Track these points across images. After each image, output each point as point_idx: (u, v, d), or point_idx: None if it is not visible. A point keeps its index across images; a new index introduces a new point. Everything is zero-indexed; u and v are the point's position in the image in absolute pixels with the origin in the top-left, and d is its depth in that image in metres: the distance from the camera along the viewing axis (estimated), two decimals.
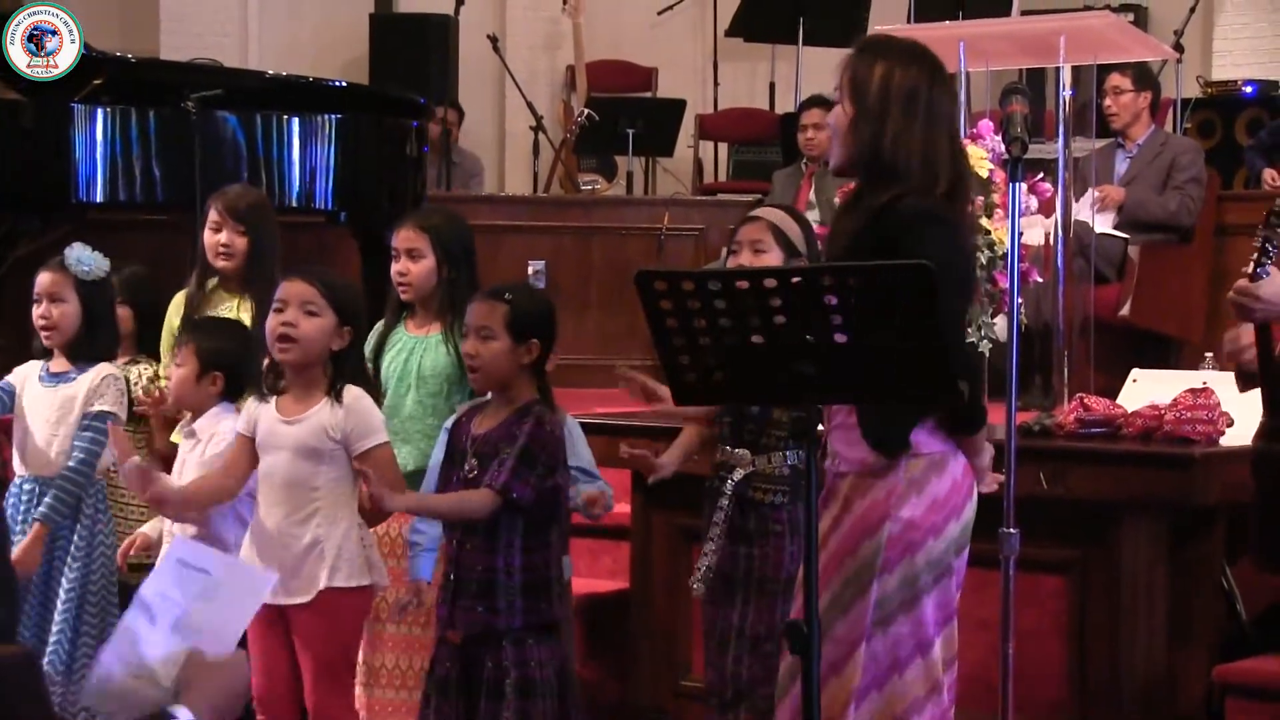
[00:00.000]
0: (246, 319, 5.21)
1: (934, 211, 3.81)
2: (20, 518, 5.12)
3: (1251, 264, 4.29)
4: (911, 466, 3.84)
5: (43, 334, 5.18)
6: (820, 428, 3.98)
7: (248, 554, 4.55)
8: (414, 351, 4.95)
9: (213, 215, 5.39)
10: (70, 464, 5.12)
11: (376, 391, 4.70)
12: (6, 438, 5.45)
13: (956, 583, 3.91)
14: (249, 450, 4.60)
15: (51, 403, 5.16)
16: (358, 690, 4.87)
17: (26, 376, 5.26)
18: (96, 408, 5.13)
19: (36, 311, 5.19)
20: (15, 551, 4.94)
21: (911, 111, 3.83)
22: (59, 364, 5.21)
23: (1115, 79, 8.23)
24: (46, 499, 5.10)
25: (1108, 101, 8.22)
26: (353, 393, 4.54)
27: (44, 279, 5.20)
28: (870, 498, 3.84)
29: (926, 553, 3.83)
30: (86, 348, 5.20)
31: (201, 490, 4.66)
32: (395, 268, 5.01)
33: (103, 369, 5.19)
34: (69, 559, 5.14)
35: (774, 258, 4.58)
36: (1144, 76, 8.34)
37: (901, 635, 3.84)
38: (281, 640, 4.55)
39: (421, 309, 5.02)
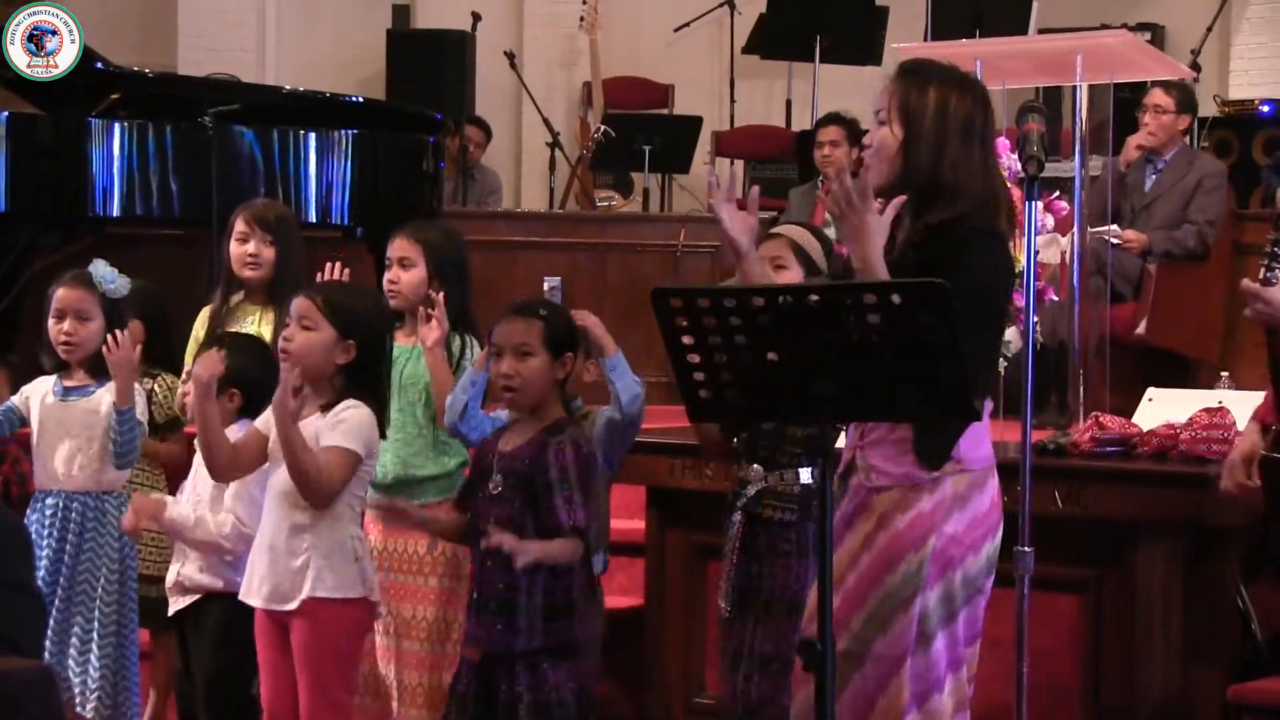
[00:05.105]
0: (268, 332, 5.20)
1: (992, 229, 3.86)
2: (46, 533, 5.10)
3: (1262, 269, 4.36)
4: (957, 482, 3.84)
5: (63, 349, 5.12)
6: (843, 444, 3.98)
7: (253, 560, 4.57)
8: (397, 360, 4.94)
9: (239, 226, 5.39)
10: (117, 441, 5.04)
11: (383, 408, 4.64)
12: (24, 452, 5.43)
13: (983, 603, 3.92)
14: (259, 442, 4.58)
15: (73, 417, 5.13)
16: (394, 707, 4.89)
17: (38, 393, 5.20)
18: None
19: (58, 327, 5.12)
20: None
21: (970, 140, 3.88)
22: (76, 378, 5.16)
23: (1159, 96, 8.09)
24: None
25: (1146, 118, 8.09)
26: (344, 405, 4.51)
27: (69, 295, 5.13)
28: (914, 511, 3.82)
29: (964, 569, 3.84)
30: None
31: (222, 441, 4.58)
32: (387, 276, 5.09)
33: None
34: (104, 574, 5.11)
35: (794, 274, 4.56)
36: (1187, 101, 8.18)
37: (939, 652, 3.85)
38: (286, 649, 4.53)
39: (410, 319, 5.07)
